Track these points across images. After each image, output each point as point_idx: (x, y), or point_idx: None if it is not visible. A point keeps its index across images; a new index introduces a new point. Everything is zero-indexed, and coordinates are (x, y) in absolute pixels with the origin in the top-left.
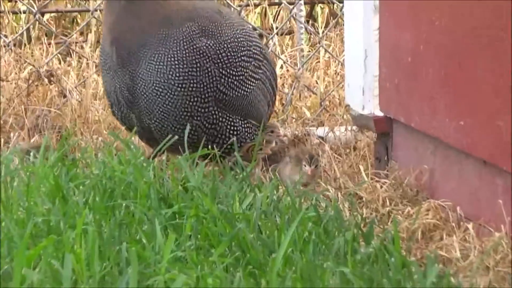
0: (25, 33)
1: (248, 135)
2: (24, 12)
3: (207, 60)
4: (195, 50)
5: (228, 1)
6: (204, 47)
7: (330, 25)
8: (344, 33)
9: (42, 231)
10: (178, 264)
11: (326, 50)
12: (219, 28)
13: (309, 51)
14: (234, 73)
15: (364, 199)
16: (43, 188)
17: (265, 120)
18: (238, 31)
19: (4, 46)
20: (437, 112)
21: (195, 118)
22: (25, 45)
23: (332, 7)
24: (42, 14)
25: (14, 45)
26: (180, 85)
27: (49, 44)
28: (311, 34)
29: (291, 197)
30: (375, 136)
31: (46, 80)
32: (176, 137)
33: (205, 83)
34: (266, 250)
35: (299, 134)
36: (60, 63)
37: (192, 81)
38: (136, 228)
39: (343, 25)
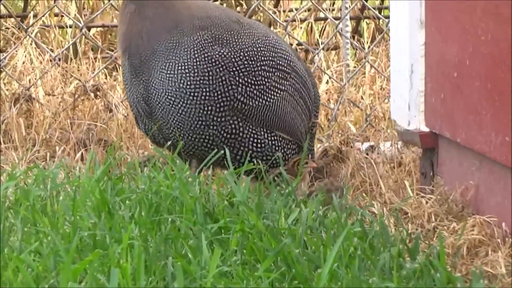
0: (71, 47)
1: (277, 148)
2: (71, 27)
3: (221, 68)
4: (206, 58)
5: (274, 17)
6: (217, 56)
7: (376, 40)
8: (389, 48)
9: (88, 245)
10: (224, 279)
11: (371, 66)
12: (235, 37)
13: (355, 66)
14: (253, 82)
15: (409, 214)
16: (89, 203)
17: (302, 134)
18: (259, 41)
19: (51, 61)
20: (483, 127)
21: (211, 127)
22: (71, 59)
23: (378, 23)
24: (89, 29)
25: (60, 59)
26: (192, 94)
27: (95, 58)
28: (356, 49)
29: (337, 212)
30: (420, 151)
31: (92, 94)
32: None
33: (219, 92)
34: (312, 265)
35: (343, 149)
36: (106, 77)
37: (204, 90)
38: (182, 242)
39: (389, 40)
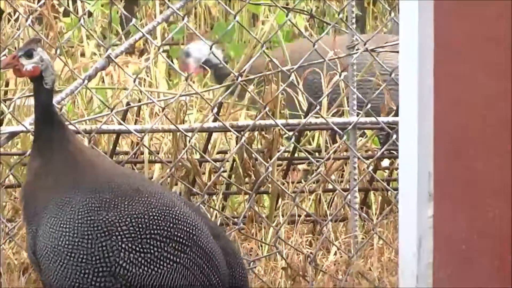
0: None
1: None
2: None
3: (103, 234)
4: (89, 221)
5: (283, 188)
6: (100, 220)
7: (384, 212)
8: (398, 220)
9: None
10: None
11: (380, 237)
12: (126, 203)
13: (363, 238)
14: (138, 249)
15: None
16: None
17: None
18: (154, 209)
19: None
20: None
21: None
22: None
23: (386, 194)
24: None
25: None
26: (69, 254)
27: None
28: (365, 220)
29: None
30: None
31: None
32: None
33: (98, 256)
34: None
35: None
36: None
37: (82, 252)
38: None
39: (397, 212)
